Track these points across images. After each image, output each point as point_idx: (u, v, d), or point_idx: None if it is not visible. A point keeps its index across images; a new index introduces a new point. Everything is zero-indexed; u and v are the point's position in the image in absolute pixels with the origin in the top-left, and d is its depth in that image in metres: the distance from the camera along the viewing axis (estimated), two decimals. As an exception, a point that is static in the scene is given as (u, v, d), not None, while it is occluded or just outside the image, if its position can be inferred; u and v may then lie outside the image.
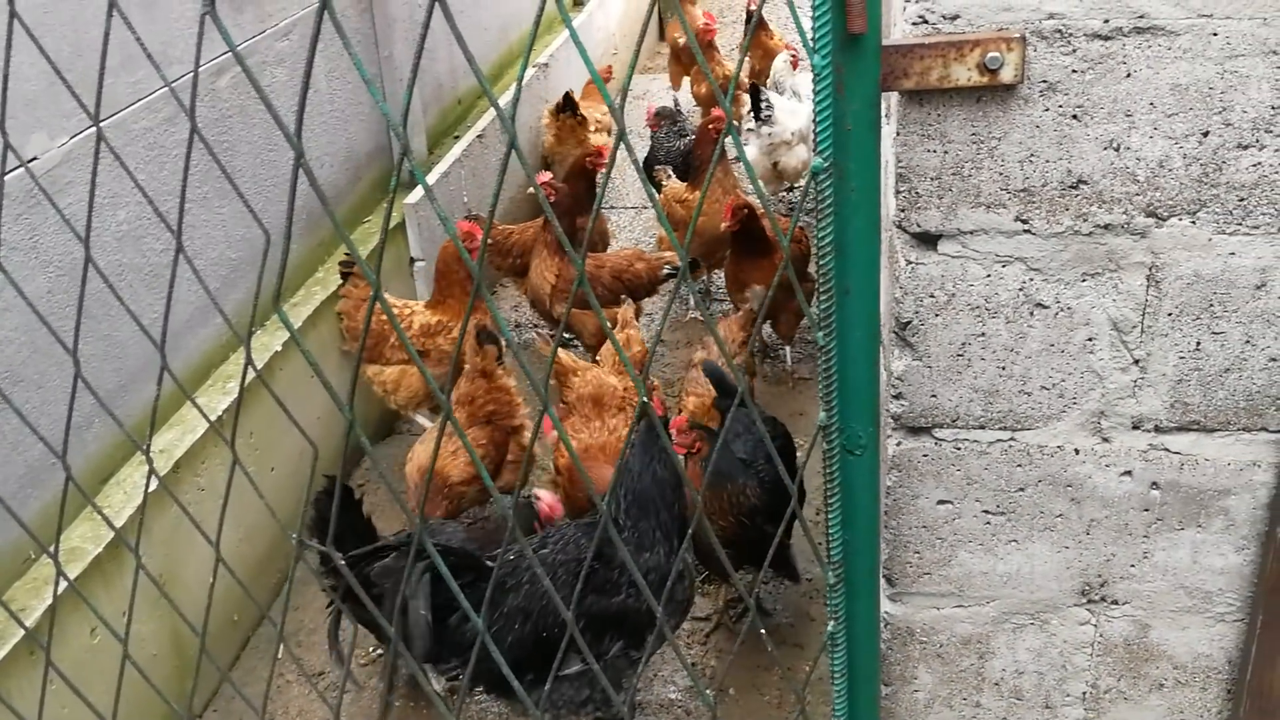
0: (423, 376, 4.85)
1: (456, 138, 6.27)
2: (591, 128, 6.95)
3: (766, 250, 5.08)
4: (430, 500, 3.93)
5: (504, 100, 6.09)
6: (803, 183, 7.20)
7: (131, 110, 3.69)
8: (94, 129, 3.40)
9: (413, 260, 5.45)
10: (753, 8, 8.35)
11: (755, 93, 6.29)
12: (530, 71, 7.19)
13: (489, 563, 3.14)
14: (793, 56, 6.95)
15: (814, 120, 1.49)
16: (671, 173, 6.30)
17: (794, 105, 6.54)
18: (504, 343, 5.07)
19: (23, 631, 2.92)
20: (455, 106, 6.61)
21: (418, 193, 5.39)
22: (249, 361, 1.49)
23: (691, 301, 6.12)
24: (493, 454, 4.25)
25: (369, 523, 3.42)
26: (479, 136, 6.20)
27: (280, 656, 3.74)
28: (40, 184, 1.68)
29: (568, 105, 6.90)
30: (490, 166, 6.31)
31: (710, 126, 5.90)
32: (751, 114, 6.34)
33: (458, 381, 4.34)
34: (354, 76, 5.26)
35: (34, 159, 3.23)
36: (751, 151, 6.47)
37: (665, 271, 5.39)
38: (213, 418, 3.82)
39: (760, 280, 4.99)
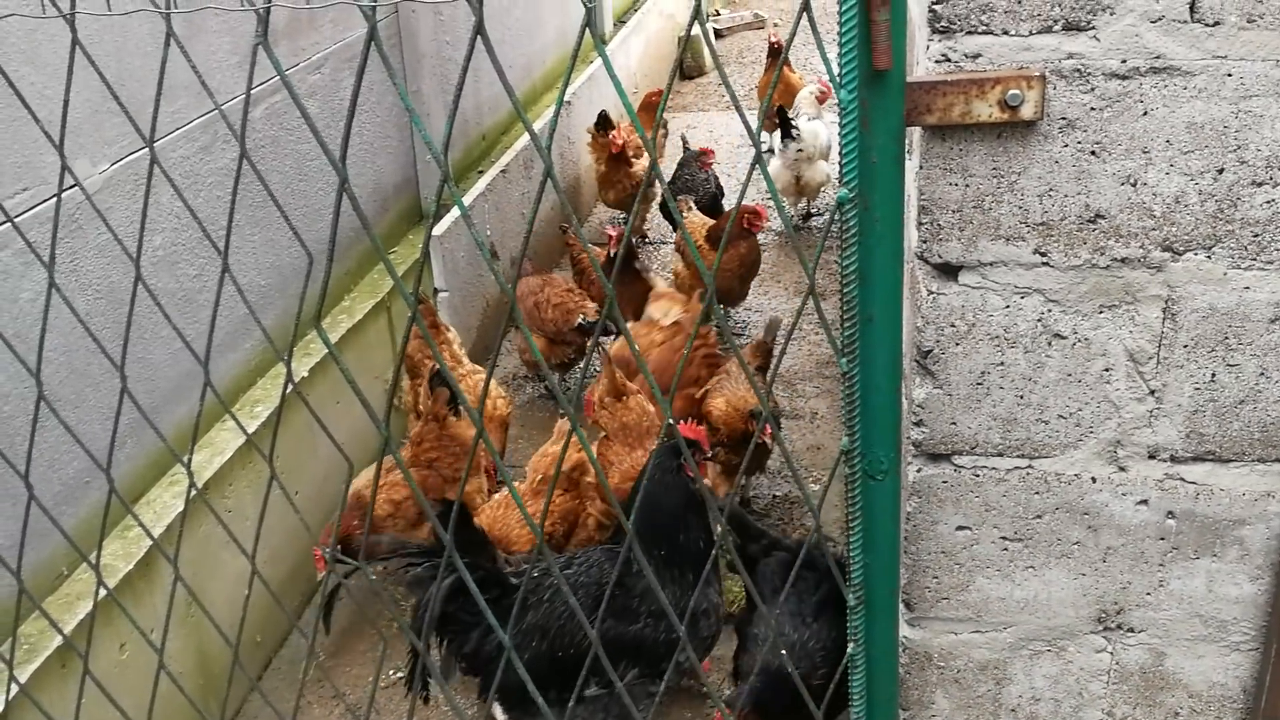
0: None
1: (481, 173, 6.37)
2: (631, 152, 7.04)
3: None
4: (350, 523, 4.00)
5: (538, 128, 6.16)
6: (821, 211, 7.32)
7: (169, 139, 3.78)
8: (136, 156, 3.51)
9: (436, 291, 5.53)
10: (773, 40, 8.57)
11: (784, 116, 6.75)
12: (552, 110, 7.30)
13: (514, 580, 3.18)
14: (822, 91, 7.13)
15: (840, 150, 1.55)
16: (693, 204, 6.38)
17: (816, 126, 7.00)
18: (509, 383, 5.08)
19: (54, 646, 2.98)
20: (479, 142, 6.71)
21: (443, 225, 5.48)
22: (289, 379, 1.56)
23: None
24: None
25: (484, 536, 3.43)
26: (502, 171, 6.29)
27: (303, 677, 3.77)
28: (94, 203, 1.75)
29: (603, 124, 7.02)
30: (513, 201, 6.40)
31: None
32: (780, 133, 6.82)
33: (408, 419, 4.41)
34: (381, 110, 5.36)
35: (75, 185, 3.32)
36: (775, 165, 6.92)
37: (579, 322, 5.38)
38: (242, 441, 3.89)
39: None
